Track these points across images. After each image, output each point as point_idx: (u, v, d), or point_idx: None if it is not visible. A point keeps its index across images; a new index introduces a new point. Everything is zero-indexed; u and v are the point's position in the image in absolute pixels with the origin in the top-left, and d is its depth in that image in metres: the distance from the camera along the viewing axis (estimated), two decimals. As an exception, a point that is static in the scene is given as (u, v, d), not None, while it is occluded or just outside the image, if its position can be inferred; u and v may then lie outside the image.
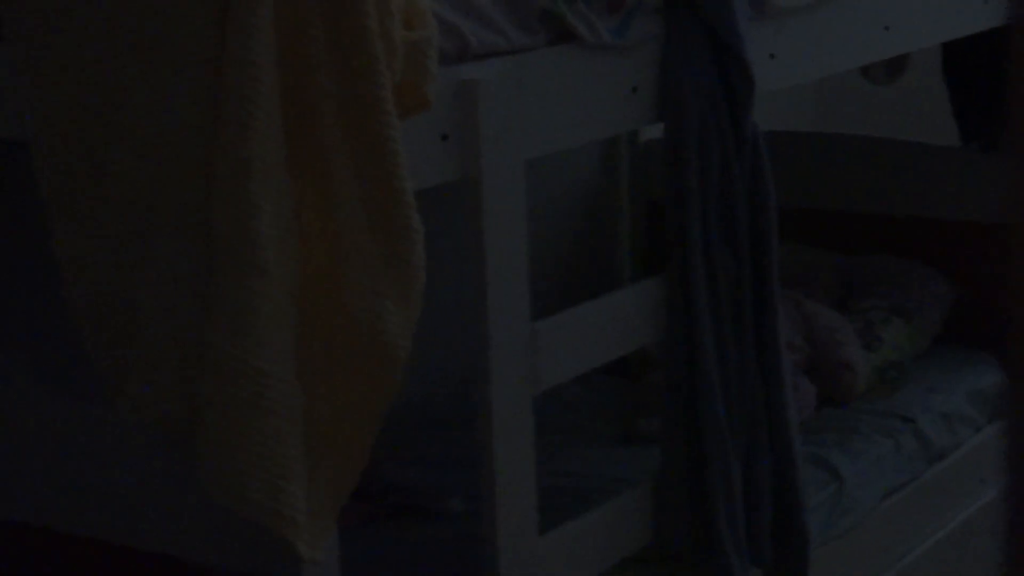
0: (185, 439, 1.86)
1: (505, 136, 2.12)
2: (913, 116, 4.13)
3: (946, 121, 3.69)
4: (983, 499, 3.26)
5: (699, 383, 2.44)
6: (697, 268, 2.43)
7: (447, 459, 2.87)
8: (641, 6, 2.35)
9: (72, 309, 1.93)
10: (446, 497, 2.71)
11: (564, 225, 3.80)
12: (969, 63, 3.57)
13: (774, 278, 2.53)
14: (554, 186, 3.71)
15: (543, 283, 2.78)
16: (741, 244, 2.49)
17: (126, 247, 1.89)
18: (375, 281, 1.88)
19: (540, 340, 2.22)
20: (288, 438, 1.82)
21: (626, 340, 2.43)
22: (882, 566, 3.03)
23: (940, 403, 3.26)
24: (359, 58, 1.85)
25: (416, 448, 2.97)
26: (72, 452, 2.12)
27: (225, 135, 1.78)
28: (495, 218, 2.12)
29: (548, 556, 2.25)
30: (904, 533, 3.10)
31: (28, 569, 2.21)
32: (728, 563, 2.47)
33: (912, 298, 3.49)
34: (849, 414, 3.17)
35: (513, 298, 2.16)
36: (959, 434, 3.25)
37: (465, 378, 2.27)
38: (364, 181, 1.87)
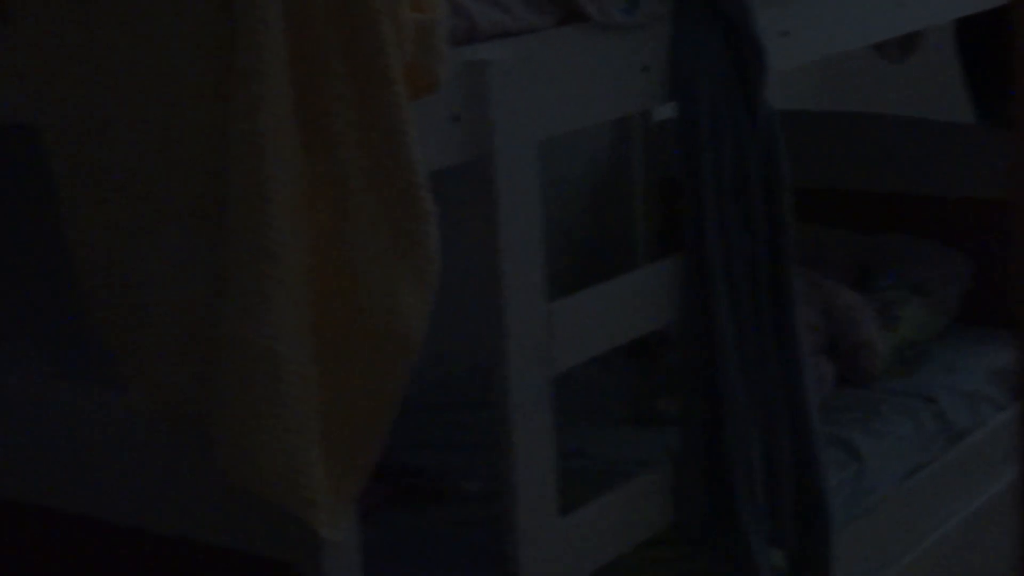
0: (198, 423, 1.86)
1: (517, 117, 2.11)
2: (926, 93, 4.11)
3: (960, 98, 3.68)
4: (1006, 478, 3.24)
5: (717, 364, 2.44)
6: (713, 248, 2.42)
7: (464, 441, 2.88)
8: (650, -16, 2.34)
9: (83, 294, 1.93)
10: (463, 479, 2.71)
11: (578, 205, 3.79)
12: (982, 39, 3.55)
13: (790, 257, 2.52)
14: (567, 166, 3.71)
15: (558, 264, 2.78)
16: (757, 224, 2.48)
17: (137, 233, 1.89)
18: (388, 265, 1.88)
19: (556, 321, 2.21)
20: (305, 420, 1.82)
21: (643, 321, 2.43)
22: (904, 546, 3.02)
23: (961, 382, 3.25)
24: (368, 40, 1.84)
25: (433, 430, 2.97)
26: (89, 437, 2.12)
27: (235, 120, 1.78)
28: (508, 199, 2.11)
29: (567, 537, 2.25)
30: (926, 513, 3.08)
31: (47, 553, 2.21)
32: (748, 544, 2.46)
33: (930, 277, 3.47)
34: (869, 394, 3.17)
35: (528, 279, 2.15)
36: (981, 413, 3.24)
37: (481, 360, 2.26)
38: (375, 163, 1.87)
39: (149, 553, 2.10)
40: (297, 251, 1.82)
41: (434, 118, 1.99)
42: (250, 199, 1.78)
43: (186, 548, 2.05)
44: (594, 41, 2.27)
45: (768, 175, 2.50)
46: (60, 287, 2.23)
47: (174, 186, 1.86)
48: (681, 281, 2.44)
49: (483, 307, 2.14)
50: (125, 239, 1.90)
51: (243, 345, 1.79)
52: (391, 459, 1.98)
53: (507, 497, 2.14)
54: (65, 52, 1.89)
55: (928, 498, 3.08)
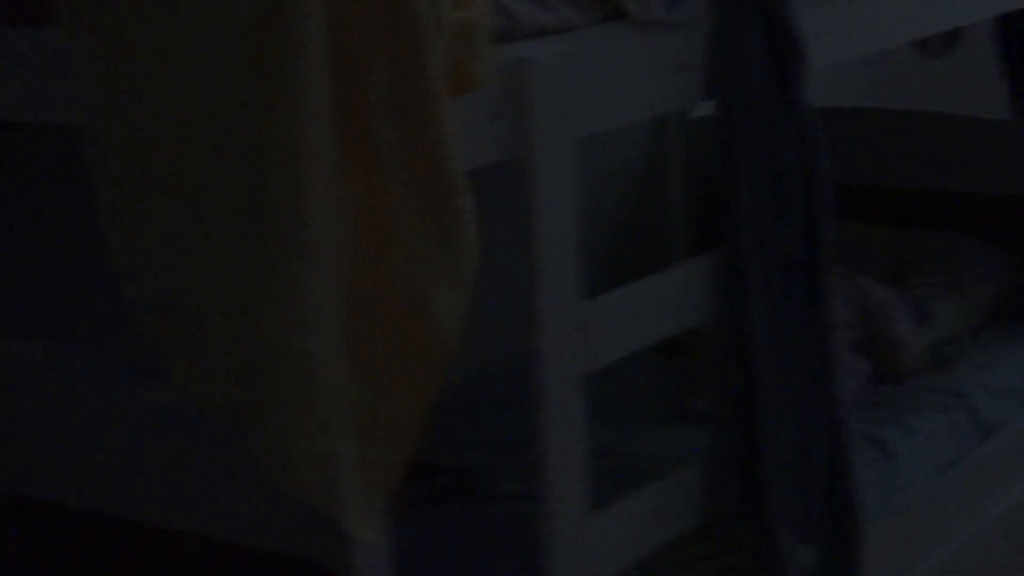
0: (237, 421, 1.87)
1: (555, 115, 2.11)
2: (964, 90, 4.10)
3: (998, 94, 3.66)
4: (1039, 475, 3.24)
5: (752, 361, 2.43)
6: (748, 245, 2.42)
7: (497, 440, 2.88)
8: (691, -19, 2.34)
9: (125, 293, 1.94)
10: (496, 478, 2.71)
11: (615, 203, 3.78)
12: (1022, 36, 3.53)
13: (827, 255, 2.51)
14: (605, 163, 3.70)
15: (595, 259, 2.78)
16: (794, 221, 2.47)
17: (178, 234, 1.90)
18: (425, 264, 1.88)
19: (592, 319, 2.21)
20: (338, 419, 1.83)
21: (678, 318, 2.42)
22: (936, 542, 3.01)
23: (994, 379, 3.24)
24: (409, 38, 1.84)
25: (466, 429, 2.98)
26: (121, 435, 2.12)
27: (275, 119, 1.78)
28: (546, 197, 2.11)
29: (601, 534, 2.25)
30: (958, 510, 3.08)
31: (75, 552, 2.22)
32: (780, 542, 2.46)
33: (966, 274, 3.46)
34: (903, 391, 3.16)
35: (564, 277, 2.16)
36: (1014, 410, 3.23)
37: (516, 359, 2.26)
38: (414, 162, 1.87)
39: (181, 552, 2.11)
40: (333, 250, 1.82)
41: (473, 116, 1.99)
42: (287, 197, 1.78)
43: (218, 547, 2.05)
44: (633, 39, 2.26)
45: (806, 172, 2.49)
46: (98, 285, 2.24)
47: (218, 185, 1.86)
48: (716, 278, 2.44)
49: (519, 305, 2.14)
50: (169, 239, 1.90)
51: (278, 344, 1.79)
52: (425, 458, 1.98)
53: (541, 494, 2.15)
54: (112, 54, 1.89)
55: (960, 495, 3.08)
